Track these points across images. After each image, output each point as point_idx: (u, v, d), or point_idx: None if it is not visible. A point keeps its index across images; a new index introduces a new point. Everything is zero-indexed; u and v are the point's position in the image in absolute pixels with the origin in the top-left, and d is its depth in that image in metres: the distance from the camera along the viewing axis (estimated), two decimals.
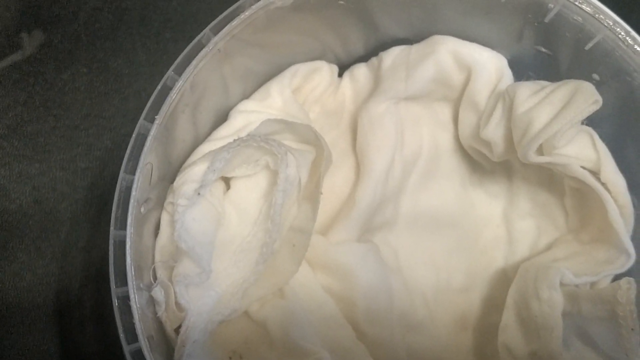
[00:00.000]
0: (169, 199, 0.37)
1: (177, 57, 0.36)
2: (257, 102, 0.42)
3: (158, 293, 0.34)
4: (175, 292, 0.34)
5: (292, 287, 0.38)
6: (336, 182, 0.43)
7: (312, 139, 0.39)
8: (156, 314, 0.34)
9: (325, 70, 0.44)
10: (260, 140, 0.36)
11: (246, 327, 0.37)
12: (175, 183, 0.37)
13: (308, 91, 0.44)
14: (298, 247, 0.37)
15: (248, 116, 0.41)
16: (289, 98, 0.42)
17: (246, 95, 0.43)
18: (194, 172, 0.36)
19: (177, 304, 0.34)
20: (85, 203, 0.49)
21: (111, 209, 0.34)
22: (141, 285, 0.33)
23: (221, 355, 0.36)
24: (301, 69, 0.43)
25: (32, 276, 0.47)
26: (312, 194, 0.38)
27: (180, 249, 0.34)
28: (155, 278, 0.35)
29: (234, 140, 0.36)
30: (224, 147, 0.36)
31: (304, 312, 0.38)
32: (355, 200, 0.41)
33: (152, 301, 0.34)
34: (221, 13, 0.37)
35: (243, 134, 0.39)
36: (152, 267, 0.35)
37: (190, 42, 0.37)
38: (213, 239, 0.36)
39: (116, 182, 0.34)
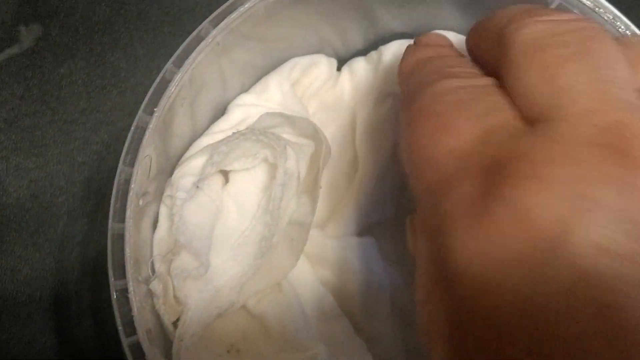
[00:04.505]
0: (167, 192, 0.36)
1: (175, 51, 0.36)
2: (255, 95, 0.42)
3: (156, 286, 0.34)
4: (173, 286, 0.34)
5: (290, 281, 0.38)
6: (335, 176, 0.43)
7: (311, 132, 0.39)
8: (154, 307, 0.34)
9: (323, 64, 0.44)
10: (259, 133, 0.36)
11: (244, 321, 0.37)
12: (173, 176, 0.37)
13: (307, 85, 0.44)
14: (297, 241, 0.37)
15: (247, 109, 0.41)
16: (287, 92, 0.42)
17: (245, 89, 0.42)
18: (192, 166, 0.36)
19: (175, 297, 0.34)
20: (83, 197, 0.48)
21: (108, 203, 0.34)
22: (139, 278, 0.33)
23: (219, 349, 0.36)
24: (300, 62, 0.43)
25: (29, 270, 0.47)
26: (311, 188, 0.38)
27: (179, 242, 0.34)
28: (153, 271, 0.35)
29: (233, 133, 0.36)
30: (222, 140, 0.36)
31: (302, 306, 0.38)
32: (355, 195, 0.41)
33: (150, 294, 0.34)
34: (218, 7, 0.37)
35: (242, 128, 0.39)
36: (150, 260, 0.35)
37: (188, 36, 0.37)
38: (211, 233, 0.36)
39: (113, 176, 0.34)
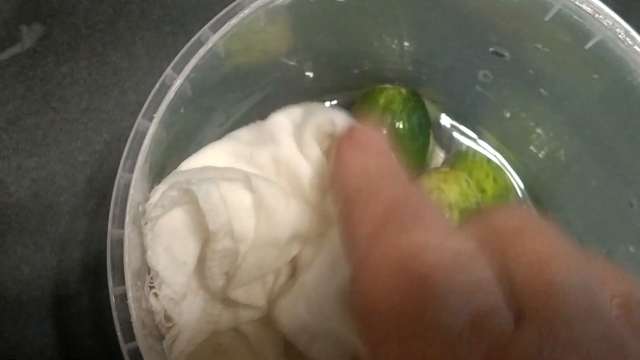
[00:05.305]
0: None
1: (176, 50, 0.36)
2: (292, 121, 0.37)
3: (154, 301, 0.33)
4: (164, 307, 0.34)
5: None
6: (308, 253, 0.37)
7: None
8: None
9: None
10: (191, 187, 0.32)
11: (232, 334, 0.37)
12: (148, 202, 0.34)
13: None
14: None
15: (282, 126, 0.37)
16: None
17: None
18: (155, 195, 0.34)
19: (166, 317, 0.33)
20: (84, 196, 0.49)
21: (110, 203, 0.34)
22: (139, 283, 0.33)
23: (207, 351, 0.35)
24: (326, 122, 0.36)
25: (30, 269, 0.47)
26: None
27: (154, 271, 0.33)
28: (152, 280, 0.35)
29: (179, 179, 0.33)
30: (174, 184, 0.33)
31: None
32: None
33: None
34: (220, 7, 0.37)
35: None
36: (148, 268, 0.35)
37: (189, 35, 0.36)
38: (190, 258, 0.34)
39: (115, 176, 0.34)
